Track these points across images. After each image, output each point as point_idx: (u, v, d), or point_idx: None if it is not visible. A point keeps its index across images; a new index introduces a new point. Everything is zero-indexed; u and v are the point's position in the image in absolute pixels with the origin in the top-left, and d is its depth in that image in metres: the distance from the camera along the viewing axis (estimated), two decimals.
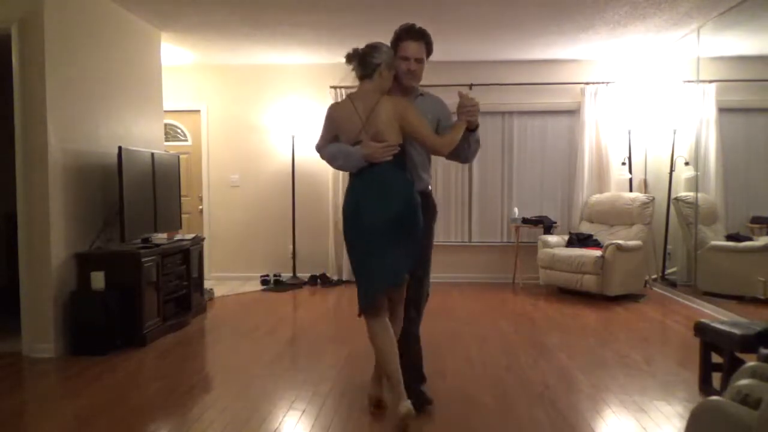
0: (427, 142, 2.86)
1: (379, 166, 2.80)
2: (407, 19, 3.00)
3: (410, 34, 2.92)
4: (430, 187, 3.16)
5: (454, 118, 2.97)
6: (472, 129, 2.90)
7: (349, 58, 2.87)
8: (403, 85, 2.97)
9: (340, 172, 7.00)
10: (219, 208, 7.39)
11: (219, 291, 6.49)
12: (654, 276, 6.63)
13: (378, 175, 2.81)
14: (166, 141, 6.69)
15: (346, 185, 7.78)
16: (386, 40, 2.97)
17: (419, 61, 2.93)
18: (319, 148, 3.07)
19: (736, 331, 3.09)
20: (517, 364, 3.91)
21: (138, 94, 5.40)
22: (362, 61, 2.83)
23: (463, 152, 2.97)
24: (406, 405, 2.74)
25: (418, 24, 2.96)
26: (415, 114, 2.82)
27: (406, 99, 2.91)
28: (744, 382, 1.86)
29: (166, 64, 6.19)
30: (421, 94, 3.07)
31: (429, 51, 2.98)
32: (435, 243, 3.20)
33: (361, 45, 2.87)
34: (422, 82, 3.07)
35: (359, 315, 2.90)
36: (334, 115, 2.94)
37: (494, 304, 5.82)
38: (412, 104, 2.89)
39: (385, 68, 2.83)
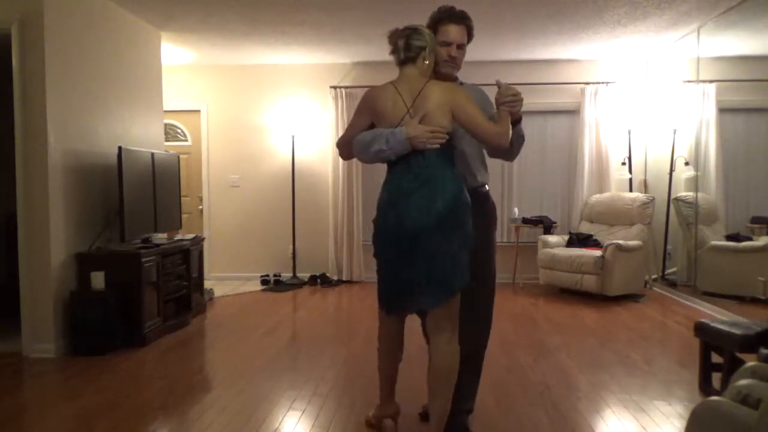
0: (484, 131, 2.44)
1: (424, 157, 2.44)
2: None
3: (452, 17, 2.60)
4: (486, 186, 2.75)
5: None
6: (514, 123, 2.53)
7: (393, 37, 2.55)
8: (442, 74, 2.63)
9: (340, 173, 7.01)
10: (219, 208, 7.39)
11: (219, 291, 6.49)
12: (654, 276, 6.63)
13: (421, 165, 2.45)
14: (166, 141, 6.69)
15: (345, 185, 7.75)
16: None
17: (461, 47, 2.61)
18: (344, 140, 2.68)
19: (736, 331, 3.09)
20: (517, 364, 3.91)
21: (138, 94, 5.40)
22: (407, 43, 2.52)
23: (508, 149, 2.57)
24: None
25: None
26: (470, 100, 2.47)
27: (456, 84, 2.60)
28: (744, 382, 1.86)
29: (166, 64, 6.19)
30: (461, 83, 2.70)
31: (470, 37, 2.66)
32: None
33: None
34: None
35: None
36: (373, 100, 2.57)
37: (494, 304, 5.80)
38: (464, 90, 2.56)
39: (430, 52, 2.53)
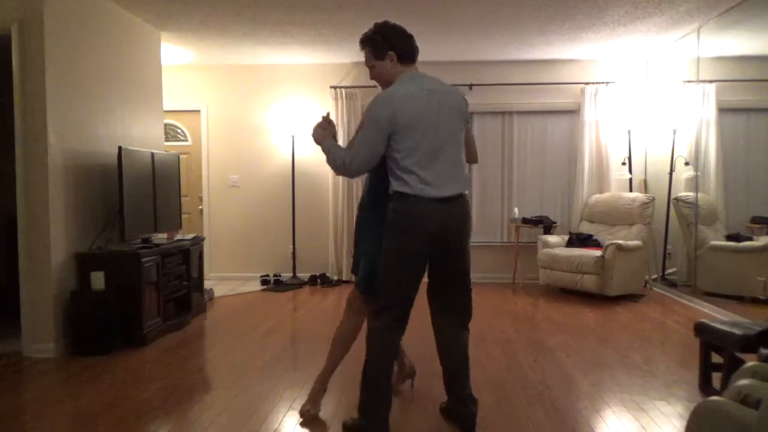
0: None
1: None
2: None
3: None
4: (397, 190, 2.70)
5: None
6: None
7: None
8: None
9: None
10: (219, 208, 7.40)
11: (219, 291, 6.49)
12: (654, 276, 6.63)
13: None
14: (166, 141, 6.70)
15: (345, 185, 7.78)
16: None
17: (369, 68, 2.81)
18: None
19: (736, 331, 3.09)
20: (517, 364, 3.91)
21: (138, 94, 5.40)
22: None
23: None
24: None
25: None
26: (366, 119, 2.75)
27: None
28: (744, 382, 1.86)
29: (166, 64, 6.19)
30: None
31: (377, 52, 2.71)
32: None
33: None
34: None
35: None
36: None
37: (494, 304, 5.82)
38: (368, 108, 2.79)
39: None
